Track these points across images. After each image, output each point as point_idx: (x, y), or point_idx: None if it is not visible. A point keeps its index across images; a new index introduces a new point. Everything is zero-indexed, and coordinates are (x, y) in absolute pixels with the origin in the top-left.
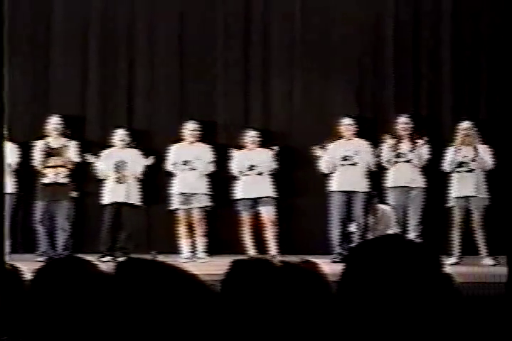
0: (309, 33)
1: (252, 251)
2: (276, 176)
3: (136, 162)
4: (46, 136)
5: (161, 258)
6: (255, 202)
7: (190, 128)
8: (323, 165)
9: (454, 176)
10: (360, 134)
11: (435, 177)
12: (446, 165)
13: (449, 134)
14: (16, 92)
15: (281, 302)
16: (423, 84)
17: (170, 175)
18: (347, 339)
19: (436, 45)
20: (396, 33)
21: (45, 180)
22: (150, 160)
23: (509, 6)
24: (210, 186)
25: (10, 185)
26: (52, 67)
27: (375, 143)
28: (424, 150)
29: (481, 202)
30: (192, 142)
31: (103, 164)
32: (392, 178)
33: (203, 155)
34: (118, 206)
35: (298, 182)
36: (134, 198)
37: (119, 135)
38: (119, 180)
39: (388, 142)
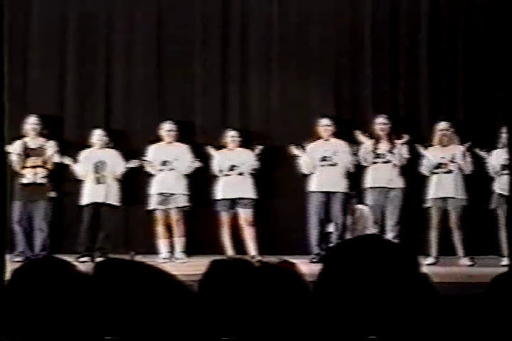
0: (287, 33)
1: (230, 252)
2: (255, 176)
3: (116, 162)
4: (24, 136)
5: (139, 258)
6: (234, 202)
7: (166, 128)
8: (303, 166)
9: (432, 177)
10: (338, 135)
11: (413, 177)
12: (424, 168)
13: (426, 134)
14: None
15: (259, 302)
16: (401, 85)
17: (149, 175)
18: (324, 339)
19: (413, 45)
20: (373, 33)
21: (23, 180)
22: (133, 163)
23: (487, 6)
24: (189, 186)
25: None
26: (29, 66)
27: (353, 143)
28: (404, 150)
29: (459, 202)
30: (170, 142)
31: (82, 165)
32: (371, 179)
33: (182, 155)
34: (97, 206)
35: (276, 183)
36: (113, 198)
37: (97, 135)
38: (99, 181)
39: (362, 139)
